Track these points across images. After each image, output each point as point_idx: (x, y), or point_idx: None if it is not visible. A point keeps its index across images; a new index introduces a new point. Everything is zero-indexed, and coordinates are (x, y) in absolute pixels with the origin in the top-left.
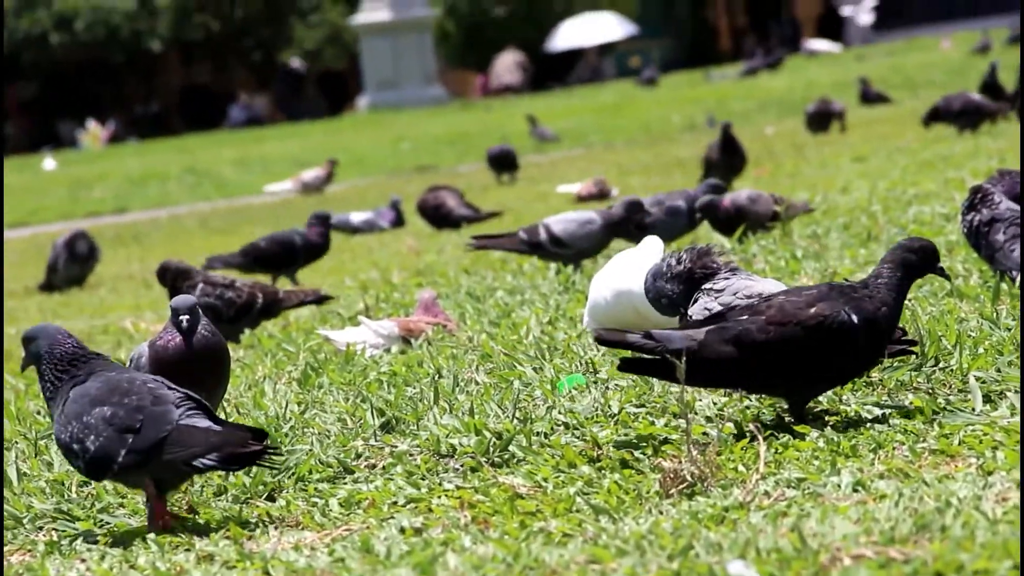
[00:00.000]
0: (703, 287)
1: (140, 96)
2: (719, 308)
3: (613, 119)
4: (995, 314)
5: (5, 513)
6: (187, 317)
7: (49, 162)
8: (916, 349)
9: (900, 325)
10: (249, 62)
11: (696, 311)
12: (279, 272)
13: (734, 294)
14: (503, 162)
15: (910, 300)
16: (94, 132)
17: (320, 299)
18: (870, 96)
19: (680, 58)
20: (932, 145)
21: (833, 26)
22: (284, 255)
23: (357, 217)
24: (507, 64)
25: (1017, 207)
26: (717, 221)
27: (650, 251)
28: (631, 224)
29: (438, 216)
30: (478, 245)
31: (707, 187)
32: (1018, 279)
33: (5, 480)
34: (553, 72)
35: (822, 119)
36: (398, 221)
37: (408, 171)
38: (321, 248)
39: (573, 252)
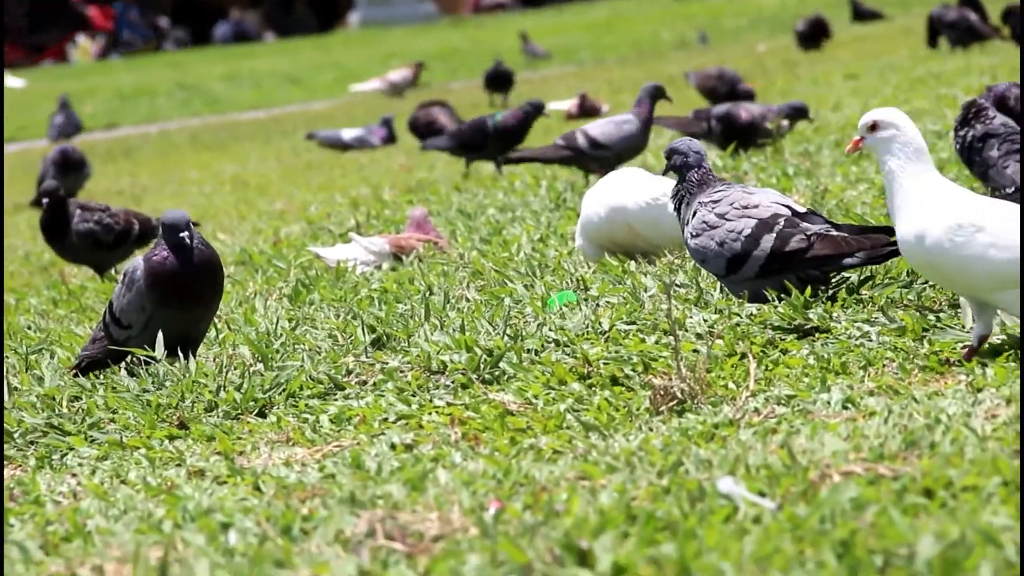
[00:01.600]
0: (699, 199)
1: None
2: (715, 219)
3: (604, 36)
4: None
5: None
6: (186, 234)
7: (15, 80)
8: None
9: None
10: None
11: (695, 224)
12: (472, 155)
13: (731, 204)
14: (499, 82)
15: None
16: (84, 46)
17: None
18: (863, 13)
19: None
20: (924, 62)
21: None
22: (478, 140)
23: (348, 134)
24: None
25: (1012, 122)
26: (733, 132)
27: (640, 173)
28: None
29: (430, 132)
30: (515, 159)
31: (790, 108)
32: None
33: None
34: None
35: (814, 35)
36: (389, 138)
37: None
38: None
39: (613, 154)
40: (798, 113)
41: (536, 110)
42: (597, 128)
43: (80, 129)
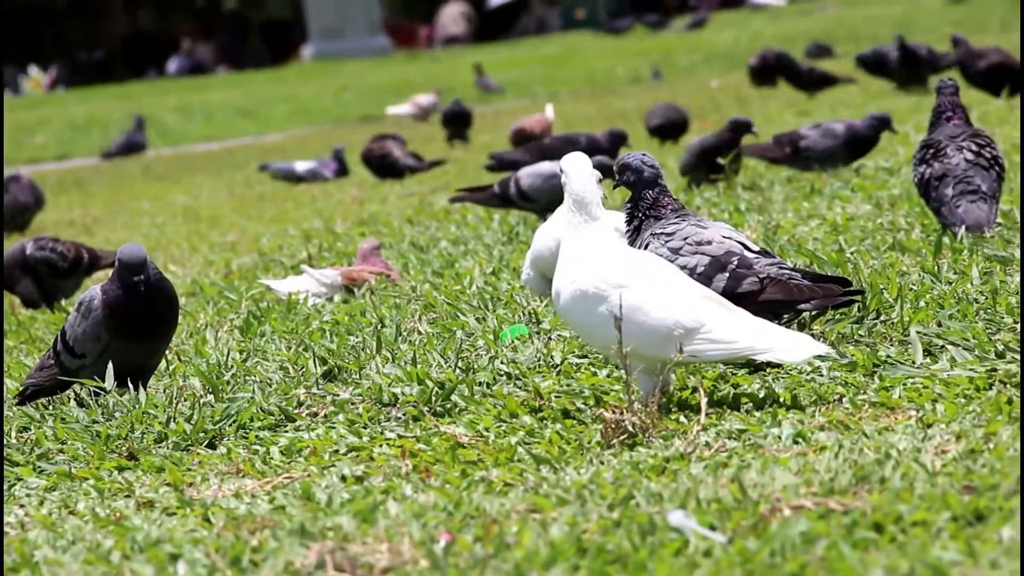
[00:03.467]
0: (652, 230)
1: (84, 43)
2: (668, 253)
3: (558, 70)
4: (936, 268)
5: None
6: (141, 277)
7: None
8: (860, 299)
9: (844, 276)
10: (193, 9)
11: None
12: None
13: (684, 239)
14: (458, 121)
15: (852, 253)
16: (36, 78)
17: None
18: (814, 51)
19: (625, 9)
20: (875, 99)
21: None
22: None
23: (301, 166)
24: (452, 15)
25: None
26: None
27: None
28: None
29: (384, 165)
30: (457, 199)
31: (871, 119)
32: (960, 233)
33: None
34: (498, 23)
35: (766, 72)
36: (341, 171)
37: (352, 121)
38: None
39: (541, 206)
40: (883, 122)
41: (745, 127)
42: (527, 179)
43: (143, 147)
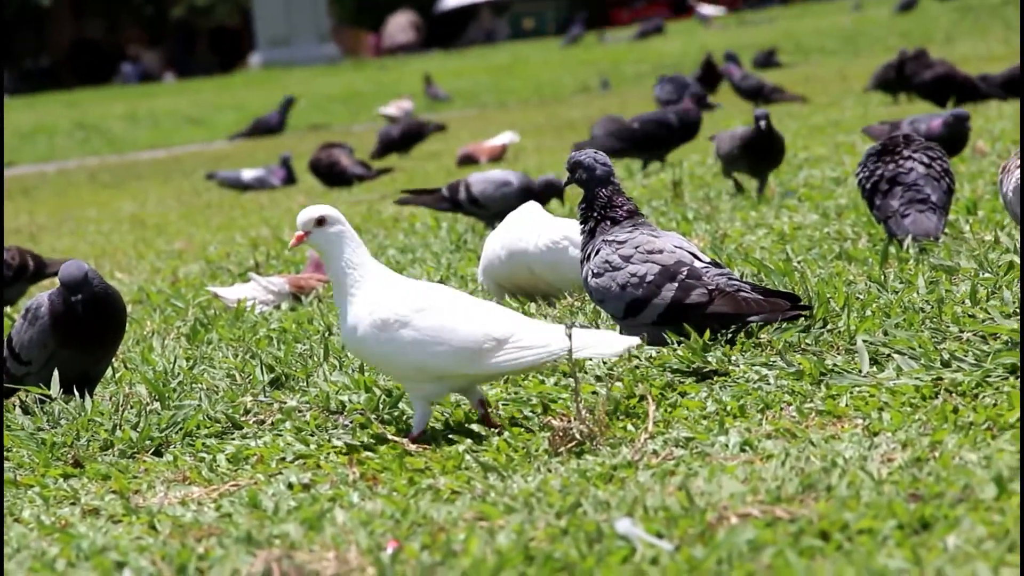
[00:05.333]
0: (604, 237)
1: (30, 50)
2: (619, 260)
3: (506, 80)
4: (883, 277)
5: None
6: (80, 297)
7: None
8: (807, 313)
9: (790, 290)
10: (141, 17)
11: (598, 263)
12: (651, 154)
13: (636, 247)
14: (414, 138)
15: (799, 262)
16: None
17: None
18: (762, 61)
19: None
20: (824, 110)
21: None
22: (661, 135)
23: (248, 174)
24: (400, 24)
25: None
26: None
27: (540, 213)
28: (548, 194)
29: (332, 174)
30: (403, 201)
31: (952, 116)
32: (906, 242)
33: None
34: (446, 32)
35: (709, 80)
36: (289, 178)
37: (301, 130)
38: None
39: (491, 213)
40: (959, 120)
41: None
42: (479, 185)
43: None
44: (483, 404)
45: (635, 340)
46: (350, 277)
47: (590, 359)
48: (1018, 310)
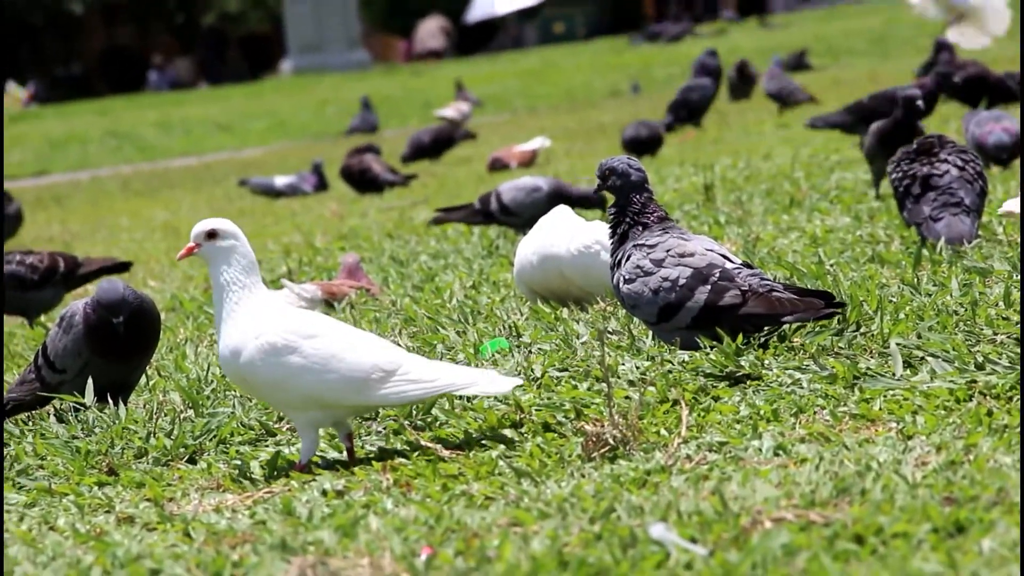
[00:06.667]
0: (635, 241)
1: (61, 58)
2: (651, 265)
3: (537, 84)
4: (916, 280)
5: None
6: (121, 319)
7: None
8: (841, 312)
9: (826, 289)
10: (172, 25)
11: (629, 268)
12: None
13: (667, 251)
14: (439, 147)
15: (831, 266)
16: (14, 94)
17: (118, 266)
18: (793, 64)
19: (604, 23)
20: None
21: None
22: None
23: (280, 181)
24: (431, 29)
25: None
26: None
27: (572, 217)
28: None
29: (364, 180)
30: (437, 220)
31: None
32: (939, 245)
33: None
34: (477, 37)
35: (743, 85)
36: (321, 185)
37: (333, 135)
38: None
39: (522, 220)
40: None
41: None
42: (509, 193)
43: (376, 128)
44: (349, 438)
45: (518, 380)
46: (235, 295)
47: (476, 396)
48: None
